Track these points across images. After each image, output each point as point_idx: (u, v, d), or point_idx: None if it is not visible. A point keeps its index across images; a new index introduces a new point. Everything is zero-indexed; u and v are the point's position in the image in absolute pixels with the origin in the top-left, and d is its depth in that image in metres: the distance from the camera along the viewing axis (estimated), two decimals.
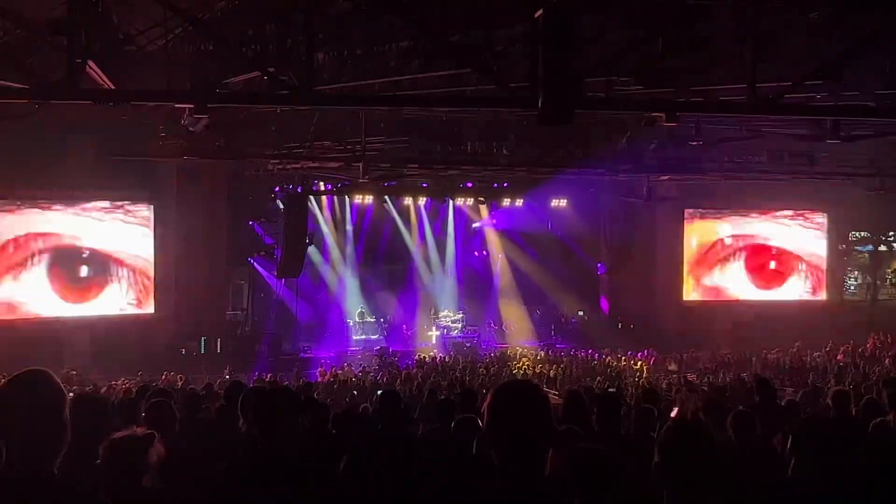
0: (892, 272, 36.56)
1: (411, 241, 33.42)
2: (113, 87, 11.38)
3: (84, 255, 25.58)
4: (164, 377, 21.24)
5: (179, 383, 19.75)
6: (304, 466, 4.80)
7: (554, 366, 26.04)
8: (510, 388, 3.33)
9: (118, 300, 26.22)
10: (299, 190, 27.13)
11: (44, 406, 3.08)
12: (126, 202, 26.41)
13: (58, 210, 25.33)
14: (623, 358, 27.21)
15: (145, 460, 4.34)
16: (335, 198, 31.05)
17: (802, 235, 32.83)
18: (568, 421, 6.43)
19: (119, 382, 20.21)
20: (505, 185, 30.00)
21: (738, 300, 32.11)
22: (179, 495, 4.75)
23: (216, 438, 7.07)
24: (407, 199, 31.04)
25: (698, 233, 32.49)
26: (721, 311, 31.30)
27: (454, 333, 32.27)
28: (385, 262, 33.27)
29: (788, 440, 4.78)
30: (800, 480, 4.40)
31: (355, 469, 6.01)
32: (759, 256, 32.60)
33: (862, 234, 35.08)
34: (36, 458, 3.03)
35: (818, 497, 4.22)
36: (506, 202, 31.25)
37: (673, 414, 11.21)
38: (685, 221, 32.12)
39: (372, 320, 32.14)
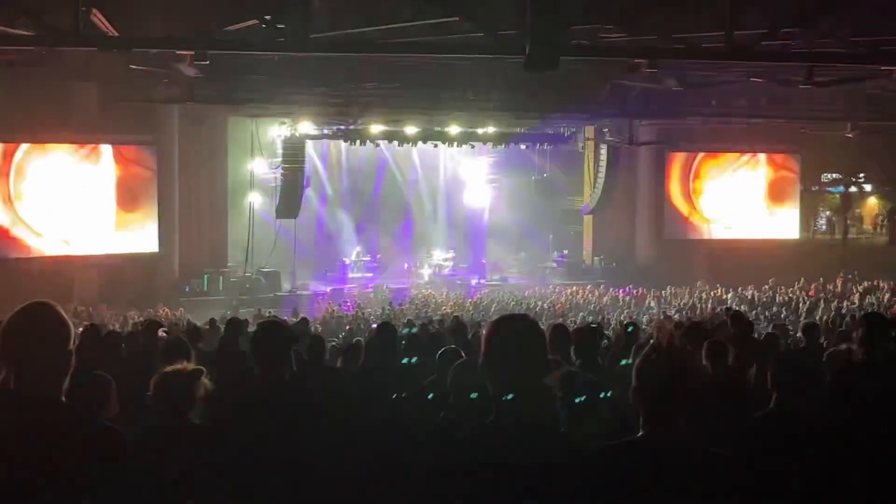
0: (878, 214, 37.35)
1: (404, 183, 34.17)
2: (117, 35, 12.00)
3: (89, 196, 25.84)
4: (162, 312, 21.83)
5: (172, 317, 20.21)
6: (303, 395, 4.90)
7: (539, 301, 26.83)
8: (508, 321, 3.29)
9: (124, 239, 26.54)
10: (296, 134, 27.63)
11: (49, 335, 3.12)
12: (130, 145, 26.64)
13: (64, 153, 25.63)
14: (606, 294, 28.24)
15: (194, 393, 4.49)
16: (331, 142, 31.34)
17: (776, 175, 33.36)
18: (553, 352, 6.33)
19: (126, 318, 20.89)
20: (494, 129, 30.38)
21: (715, 238, 32.67)
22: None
23: (218, 371, 7.53)
24: (399, 143, 31.46)
25: (678, 171, 33.04)
26: (698, 248, 31.98)
27: (445, 271, 33.14)
28: (379, 204, 33.89)
29: (765, 373, 4.75)
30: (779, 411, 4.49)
31: (351, 396, 6.41)
32: (735, 191, 33.17)
33: (833, 175, 35.70)
34: (43, 384, 3.07)
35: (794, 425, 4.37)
36: (494, 146, 31.74)
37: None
38: (666, 163, 32.58)
39: (367, 259, 32.74)
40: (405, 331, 8.26)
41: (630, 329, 10.91)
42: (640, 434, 3.34)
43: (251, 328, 8.30)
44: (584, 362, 6.58)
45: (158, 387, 4.49)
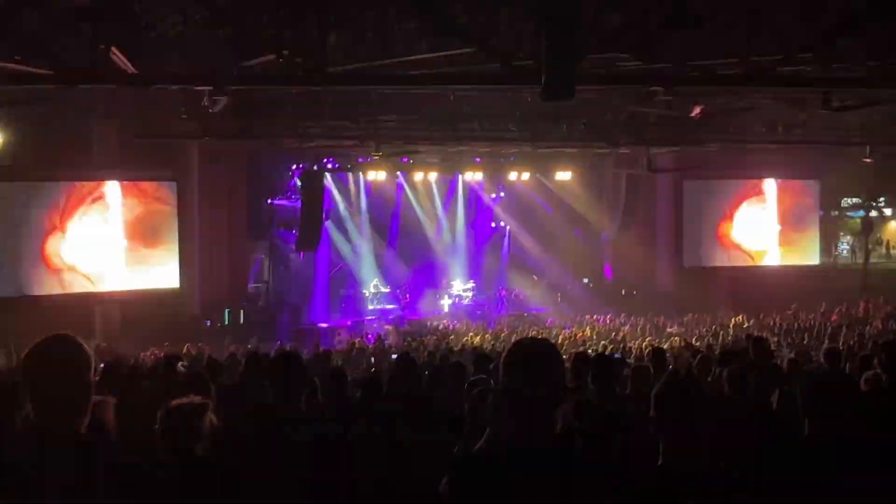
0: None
1: (423, 214, 34.10)
2: (135, 72, 12.10)
3: (109, 233, 25.88)
4: (185, 350, 21.77)
5: (205, 353, 20.25)
6: (322, 428, 4.94)
7: (560, 331, 26.69)
8: (526, 344, 3.30)
9: (145, 275, 26.54)
10: (315, 168, 27.74)
11: (70, 367, 3.11)
12: (150, 181, 26.70)
13: (84, 189, 25.64)
14: (628, 323, 28.07)
15: (200, 427, 4.51)
16: (350, 174, 31.54)
17: (796, 201, 33.11)
18: (575, 381, 6.81)
19: (147, 353, 20.83)
20: (511, 159, 30.61)
21: (736, 266, 32.39)
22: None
23: (239, 404, 7.13)
24: (418, 174, 31.38)
25: (697, 199, 32.82)
26: (719, 275, 31.78)
27: (465, 302, 33.21)
28: (398, 235, 33.94)
29: (789, 398, 4.92)
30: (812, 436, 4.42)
31: (373, 429, 6.30)
32: (755, 218, 32.95)
33: (853, 200, 35.54)
34: (63, 418, 3.06)
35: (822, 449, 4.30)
36: (512, 176, 31.74)
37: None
38: (684, 189, 32.39)
39: (386, 290, 32.83)
40: None
41: (653, 356, 10.90)
42: (660, 462, 3.33)
43: None
44: (600, 390, 6.68)
45: (163, 420, 4.52)
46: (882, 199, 35.51)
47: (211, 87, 13.23)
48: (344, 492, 4.63)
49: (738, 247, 32.93)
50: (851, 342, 18.22)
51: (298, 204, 27.87)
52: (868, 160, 25.93)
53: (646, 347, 19.69)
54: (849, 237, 36.75)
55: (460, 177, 32.90)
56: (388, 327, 28.71)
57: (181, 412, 4.53)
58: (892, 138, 25.12)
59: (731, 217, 32.96)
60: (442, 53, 14.63)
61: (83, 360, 3.17)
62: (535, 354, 3.19)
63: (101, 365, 9.07)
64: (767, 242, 32.96)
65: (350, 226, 33.19)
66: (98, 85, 11.83)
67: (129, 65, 11.78)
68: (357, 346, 23.58)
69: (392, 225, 33.93)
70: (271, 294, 30.58)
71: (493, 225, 36.06)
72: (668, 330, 26.76)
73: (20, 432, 3.09)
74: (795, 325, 25.56)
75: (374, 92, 20.64)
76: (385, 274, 33.41)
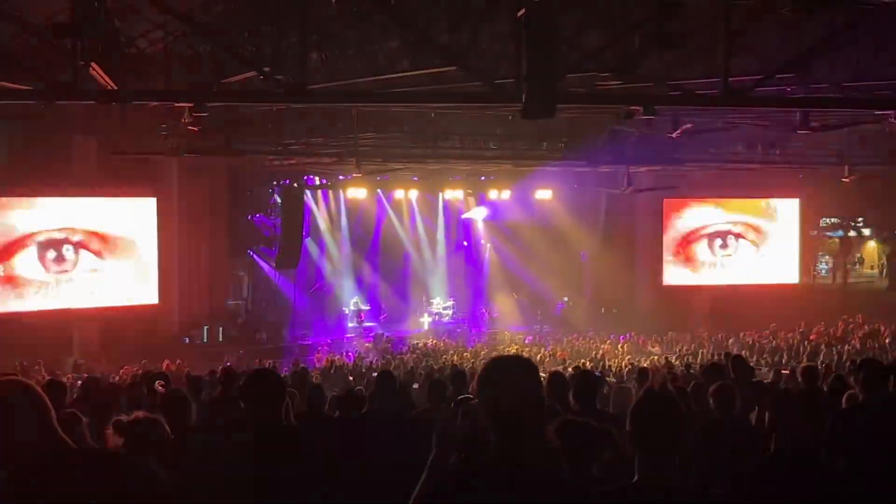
0: (881, 262, 37.47)
1: (403, 232, 34.08)
2: (115, 88, 12.02)
3: (89, 249, 25.66)
4: (165, 366, 21.65)
5: (184, 370, 20.09)
6: (298, 446, 4.77)
7: (540, 349, 26.70)
8: (500, 361, 3.24)
9: (124, 291, 26.31)
10: (295, 185, 27.68)
11: (23, 414, 2.92)
12: (130, 198, 26.58)
13: (64, 206, 25.44)
14: (607, 341, 28.09)
15: (153, 442, 4.58)
16: (330, 191, 31.50)
17: (775, 220, 33.26)
18: (551, 399, 6.48)
19: (124, 370, 20.64)
20: (492, 177, 30.71)
21: (715, 284, 32.36)
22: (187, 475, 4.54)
23: (216, 420, 7.43)
24: (399, 192, 31.53)
25: (676, 218, 32.97)
26: (699, 294, 31.86)
27: (445, 319, 33.17)
28: (378, 253, 33.83)
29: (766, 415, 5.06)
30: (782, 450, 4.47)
31: (352, 446, 6.41)
32: (735, 237, 33.07)
33: (832, 220, 35.75)
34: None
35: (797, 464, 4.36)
36: (493, 194, 31.89)
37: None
38: (663, 209, 32.54)
39: (366, 308, 32.66)
40: None
41: (637, 376, 10.88)
42: (635, 479, 3.33)
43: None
44: (582, 406, 6.57)
45: (117, 435, 4.59)
46: (860, 219, 35.72)
47: (191, 104, 13.14)
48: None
49: (717, 265, 33.05)
50: (830, 361, 18.33)
51: (278, 222, 27.76)
52: (846, 180, 26.08)
53: (626, 366, 19.72)
54: (828, 257, 36.93)
55: (441, 194, 32.93)
56: (368, 345, 28.64)
57: (131, 427, 4.59)
58: (870, 158, 25.27)
59: (710, 235, 33.07)
60: (423, 71, 14.65)
61: (35, 407, 2.95)
62: (510, 370, 3.14)
63: (79, 383, 9.01)
64: (747, 261, 33.07)
65: (330, 243, 33.19)
66: (77, 101, 11.64)
67: (110, 81, 11.70)
68: (336, 363, 23.48)
69: (372, 242, 33.86)
70: (250, 311, 30.41)
71: (472, 242, 36.03)
72: (649, 349, 26.79)
73: None
74: (774, 343, 25.68)
75: (354, 109, 20.57)
76: (365, 291, 33.35)
